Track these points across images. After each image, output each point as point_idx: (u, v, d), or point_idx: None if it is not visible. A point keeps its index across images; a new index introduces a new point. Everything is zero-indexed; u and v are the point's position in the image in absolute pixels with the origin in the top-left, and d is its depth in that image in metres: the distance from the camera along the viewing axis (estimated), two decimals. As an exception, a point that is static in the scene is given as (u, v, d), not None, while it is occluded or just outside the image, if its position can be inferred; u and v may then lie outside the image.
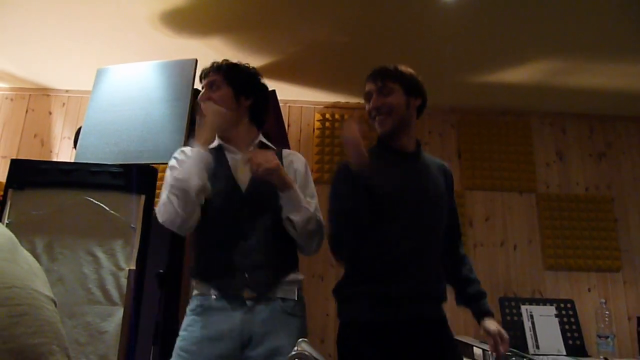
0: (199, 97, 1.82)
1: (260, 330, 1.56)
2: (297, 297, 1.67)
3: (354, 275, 1.75)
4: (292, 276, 1.68)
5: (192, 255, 1.75)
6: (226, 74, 1.79)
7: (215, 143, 1.79)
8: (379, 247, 1.69)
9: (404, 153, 1.80)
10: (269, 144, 1.85)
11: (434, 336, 1.66)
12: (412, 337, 1.61)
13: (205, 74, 1.83)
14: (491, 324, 1.76)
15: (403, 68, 1.84)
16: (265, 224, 1.67)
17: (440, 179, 1.85)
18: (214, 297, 1.60)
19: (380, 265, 1.68)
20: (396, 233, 1.68)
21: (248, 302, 1.58)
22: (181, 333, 1.61)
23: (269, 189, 1.66)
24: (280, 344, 1.53)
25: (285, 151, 1.87)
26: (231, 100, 1.77)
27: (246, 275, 1.59)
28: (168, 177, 1.64)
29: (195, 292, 1.67)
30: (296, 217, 1.64)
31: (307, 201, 1.70)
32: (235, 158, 1.76)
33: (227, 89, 1.78)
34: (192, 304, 1.65)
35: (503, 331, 1.75)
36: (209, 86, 1.79)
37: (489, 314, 1.81)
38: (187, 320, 1.63)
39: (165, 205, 1.59)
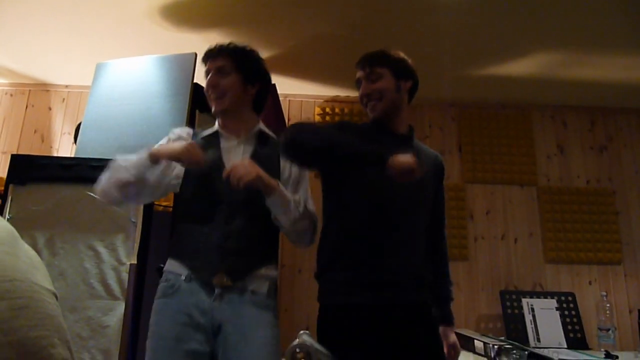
0: (208, 81, 1.76)
1: (230, 319, 1.54)
2: (268, 291, 1.63)
3: (331, 258, 1.73)
4: (266, 269, 1.65)
5: (171, 234, 1.73)
6: (237, 60, 1.76)
7: (213, 129, 1.80)
8: (355, 228, 1.70)
9: (396, 134, 1.80)
10: (269, 132, 1.82)
11: (410, 321, 1.65)
12: (387, 321, 1.61)
13: (213, 56, 1.77)
14: (452, 335, 1.85)
15: (391, 52, 1.85)
16: (250, 212, 1.65)
17: (432, 169, 1.84)
18: (182, 277, 1.59)
19: (356, 247, 1.68)
20: (372, 215, 1.69)
21: (216, 290, 1.56)
22: (153, 317, 1.59)
23: None
24: (254, 335, 1.52)
25: None
26: (239, 87, 1.75)
27: (222, 259, 1.58)
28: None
29: (166, 269, 1.66)
30: (283, 219, 1.65)
31: (296, 200, 1.67)
32: (229, 144, 1.75)
33: (237, 75, 1.74)
34: (162, 285, 1.63)
35: (458, 345, 1.85)
36: (217, 71, 1.75)
37: (449, 322, 1.87)
38: (157, 302, 1.61)
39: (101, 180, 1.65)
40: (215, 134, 1.79)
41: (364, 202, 1.70)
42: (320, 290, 1.73)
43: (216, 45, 1.80)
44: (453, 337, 1.86)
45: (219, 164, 1.69)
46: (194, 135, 1.80)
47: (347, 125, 1.93)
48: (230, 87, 1.73)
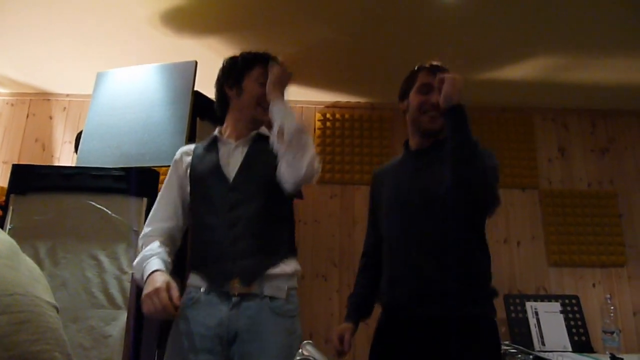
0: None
1: (246, 327, 1.53)
2: (287, 296, 1.62)
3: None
4: (282, 267, 1.62)
5: (190, 247, 1.75)
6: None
7: (212, 136, 1.81)
8: (386, 244, 1.76)
9: (418, 151, 1.81)
10: (268, 133, 1.78)
11: (435, 338, 1.58)
12: (413, 338, 1.60)
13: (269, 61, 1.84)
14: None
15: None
16: (253, 212, 1.64)
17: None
18: (202, 289, 1.60)
19: (389, 262, 1.74)
20: (395, 233, 1.72)
21: (234, 299, 1.56)
22: (171, 329, 1.61)
23: (258, 175, 1.67)
24: (268, 344, 1.51)
25: None
26: None
27: (234, 263, 1.58)
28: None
29: (188, 282, 1.68)
30: (288, 124, 1.62)
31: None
32: (228, 148, 1.76)
33: None
34: (184, 297, 1.64)
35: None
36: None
37: None
38: (177, 316, 1.62)
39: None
40: (214, 140, 1.80)
41: (385, 210, 1.75)
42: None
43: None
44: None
45: (216, 169, 1.70)
46: (196, 148, 1.81)
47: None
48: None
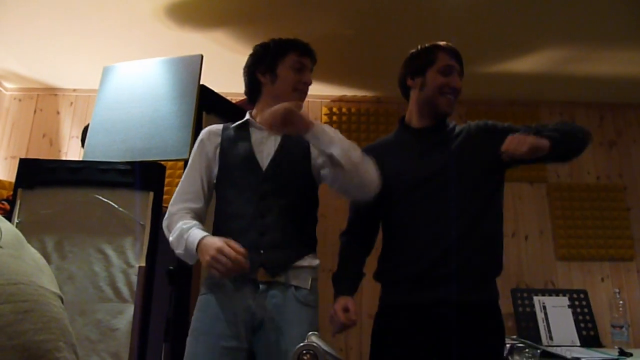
0: (306, 78, 1.79)
1: (272, 315, 1.54)
2: (311, 287, 1.63)
3: (382, 259, 1.79)
4: (308, 260, 1.64)
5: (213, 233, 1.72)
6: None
7: (244, 120, 1.77)
8: (397, 227, 1.74)
9: (424, 129, 1.80)
10: None
11: (457, 322, 1.57)
12: (428, 321, 1.59)
13: (310, 54, 1.83)
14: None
15: None
16: (284, 203, 1.63)
17: (471, 144, 1.74)
18: None
19: (396, 246, 1.72)
20: (409, 213, 1.70)
21: (261, 286, 1.56)
22: (196, 313, 1.61)
23: (291, 167, 1.65)
24: (291, 332, 1.51)
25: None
26: None
27: (262, 253, 1.57)
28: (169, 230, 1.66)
29: None
30: (336, 150, 1.49)
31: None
32: (261, 134, 1.72)
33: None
34: (207, 281, 1.64)
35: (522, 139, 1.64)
36: (309, 70, 1.81)
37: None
38: (201, 299, 1.63)
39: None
40: (245, 125, 1.76)
41: (396, 193, 1.71)
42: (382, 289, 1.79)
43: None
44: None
45: (249, 157, 1.68)
46: (224, 129, 1.78)
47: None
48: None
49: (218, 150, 1.73)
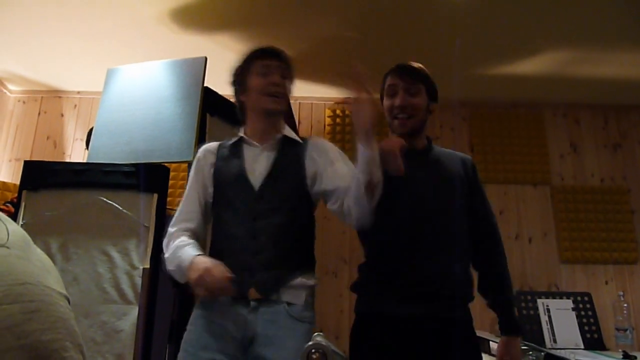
0: (274, 79, 1.73)
1: (264, 332, 1.52)
2: (305, 302, 1.60)
3: (364, 268, 1.76)
4: (300, 280, 1.60)
5: (210, 249, 1.72)
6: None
7: (237, 136, 1.76)
8: (381, 242, 1.69)
9: (412, 151, 1.72)
10: (295, 137, 1.76)
11: (435, 337, 1.58)
12: (409, 334, 1.58)
13: (274, 55, 1.78)
14: (511, 346, 1.76)
15: (426, 69, 1.80)
16: (277, 223, 1.60)
17: (456, 171, 1.78)
18: None
19: (380, 260, 1.69)
20: (394, 228, 1.66)
21: (252, 303, 1.55)
22: (188, 327, 1.60)
23: (284, 186, 1.63)
24: (283, 349, 1.48)
25: (310, 142, 1.78)
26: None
27: (253, 275, 1.56)
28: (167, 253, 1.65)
29: None
30: (378, 175, 1.50)
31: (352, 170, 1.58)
32: (253, 151, 1.71)
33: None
34: (201, 297, 1.63)
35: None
36: (278, 71, 1.75)
37: (507, 330, 1.78)
38: (194, 313, 1.63)
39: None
40: (239, 142, 1.75)
41: (387, 213, 1.64)
42: (357, 300, 1.74)
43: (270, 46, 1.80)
44: (511, 349, 1.74)
45: (241, 176, 1.66)
46: (220, 147, 1.77)
47: None
48: (289, 92, 1.76)
49: (213, 169, 1.73)
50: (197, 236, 1.68)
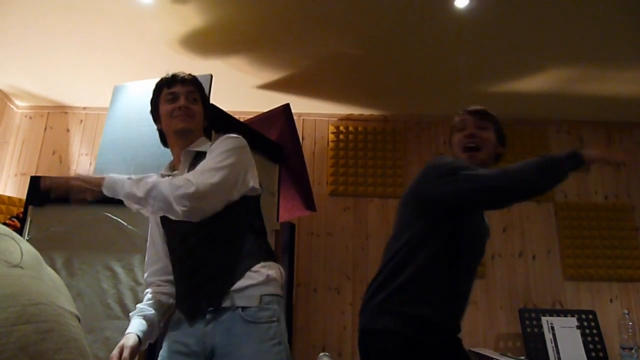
0: (180, 103, 1.77)
1: (221, 342, 1.53)
2: (260, 302, 1.57)
3: (424, 293, 1.65)
4: (250, 278, 1.58)
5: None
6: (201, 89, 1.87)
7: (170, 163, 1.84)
8: (453, 281, 1.67)
9: None
10: (204, 148, 1.76)
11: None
12: None
13: (178, 81, 1.80)
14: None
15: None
16: (204, 239, 1.63)
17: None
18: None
19: (445, 292, 1.65)
20: (463, 268, 1.70)
21: (207, 316, 1.57)
22: (162, 348, 1.66)
23: None
24: (241, 353, 1.50)
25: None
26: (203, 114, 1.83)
27: (198, 293, 1.60)
28: None
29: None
30: (132, 197, 1.56)
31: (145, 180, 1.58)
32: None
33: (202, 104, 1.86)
34: (171, 320, 1.71)
35: None
36: (185, 95, 1.79)
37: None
38: (166, 336, 1.69)
39: None
40: (168, 170, 1.82)
41: (463, 248, 1.67)
42: (402, 320, 1.62)
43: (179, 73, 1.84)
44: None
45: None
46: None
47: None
48: (199, 112, 1.81)
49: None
50: (167, 272, 1.76)
